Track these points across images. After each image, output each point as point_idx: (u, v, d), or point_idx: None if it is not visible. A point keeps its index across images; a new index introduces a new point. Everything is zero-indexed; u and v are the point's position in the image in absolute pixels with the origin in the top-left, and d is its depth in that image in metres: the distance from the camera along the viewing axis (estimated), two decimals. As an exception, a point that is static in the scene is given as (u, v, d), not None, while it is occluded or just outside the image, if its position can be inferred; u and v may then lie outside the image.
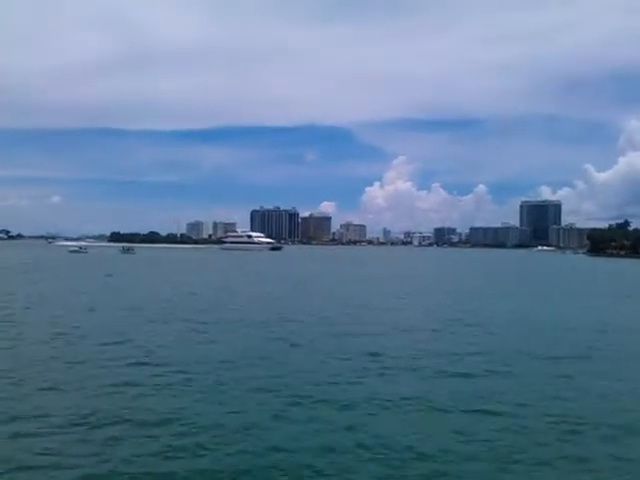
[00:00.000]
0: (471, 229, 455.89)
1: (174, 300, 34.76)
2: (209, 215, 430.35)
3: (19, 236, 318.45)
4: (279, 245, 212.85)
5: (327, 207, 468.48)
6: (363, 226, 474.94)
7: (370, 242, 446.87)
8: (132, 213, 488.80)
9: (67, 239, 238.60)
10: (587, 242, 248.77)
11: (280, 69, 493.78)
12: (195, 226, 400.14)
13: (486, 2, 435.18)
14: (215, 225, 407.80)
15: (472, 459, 10.36)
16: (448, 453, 10.58)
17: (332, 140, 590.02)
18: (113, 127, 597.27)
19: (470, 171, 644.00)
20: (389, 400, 13.71)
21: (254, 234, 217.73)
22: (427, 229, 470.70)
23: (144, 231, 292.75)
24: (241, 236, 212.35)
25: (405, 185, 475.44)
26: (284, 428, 11.82)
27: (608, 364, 18.44)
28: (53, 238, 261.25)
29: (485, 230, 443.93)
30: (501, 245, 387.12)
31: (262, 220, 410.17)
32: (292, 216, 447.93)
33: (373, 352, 19.26)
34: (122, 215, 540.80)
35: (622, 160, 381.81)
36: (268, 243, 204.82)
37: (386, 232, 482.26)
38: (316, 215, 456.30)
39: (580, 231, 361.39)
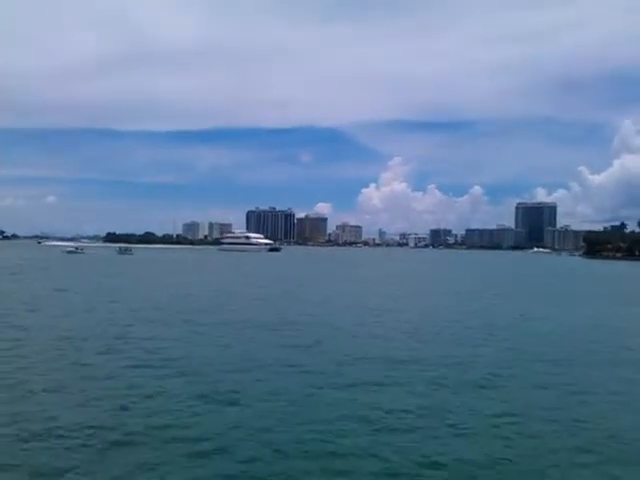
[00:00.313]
0: (467, 231, 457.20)
1: (178, 302, 34.30)
2: (205, 216, 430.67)
3: (14, 236, 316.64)
4: (278, 246, 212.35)
5: (323, 208, 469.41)
6: (359, 227, 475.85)
7: (366, 243, 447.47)
8: (127, 213, 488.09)
9: (60, 239, 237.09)
10: (583, 244, 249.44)
11: (277, 70, 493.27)
12: (191, 227, 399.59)
13: (482, 3, 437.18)
14: (211, 226, 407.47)
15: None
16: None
17: (328, 141, 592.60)
18: (109, 127, 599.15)
19: (466, 172, 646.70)
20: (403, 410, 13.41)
21: (252, 235, 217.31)
22: (423, 230, 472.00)
23: (140, 232, 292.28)
24: (239, 237, 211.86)
25: (401, 186, 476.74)
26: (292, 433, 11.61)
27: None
28: (42, 238, 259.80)
29: (481, 232, 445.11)
30: (497, 247, 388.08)
31: (258, 221, 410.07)
32: (288, 217, 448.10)
33: (383, 357, 18.90)
34: (117, 215, 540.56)
35: (617, 162, 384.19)
36: (266, 244, 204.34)
37: (382, 233, 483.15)
38: (312, 216, 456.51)
39: (575, 233, 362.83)
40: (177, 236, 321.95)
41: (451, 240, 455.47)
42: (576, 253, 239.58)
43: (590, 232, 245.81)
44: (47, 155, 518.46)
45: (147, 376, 15.82)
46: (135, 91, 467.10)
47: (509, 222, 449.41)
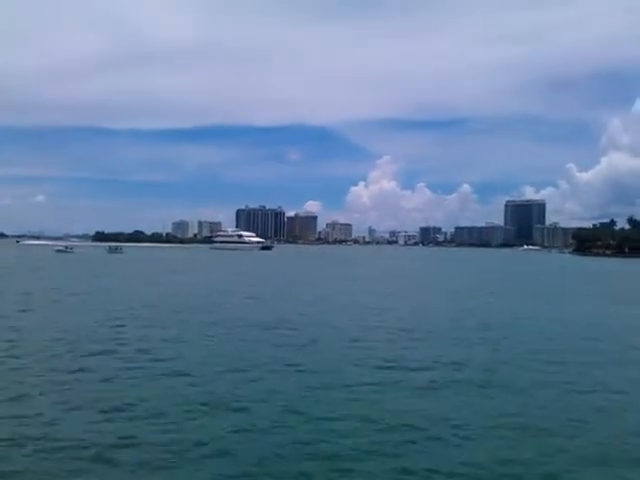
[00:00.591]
0: (456, 228, 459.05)
1: (176, 301, 33.50)
2: (194, 214, 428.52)
3: (2, 235, 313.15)
4: (270, 245, 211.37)
5: (312, 206, 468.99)
6: (349, 225, 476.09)
7: (356, 241, 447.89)
8: (116, 212, 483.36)
9: (48, 238, 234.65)
10: (572, 241, 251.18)
11: (267, 68, 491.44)
12: (180, 225, 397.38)
13: (474, 3, 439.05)
14: (200, 224, 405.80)
15: None
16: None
17: (318, 139, 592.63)
18: (100, 125, 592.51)
19: (455, 171, 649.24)
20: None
21: (245, 233, 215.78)
22: (412, 228, 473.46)
23: (129, 230, 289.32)
24: (231, 235, 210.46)
25: (390, 184, 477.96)
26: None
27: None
28: (31, 238, 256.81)
29: (470, 229, 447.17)
30: (486, 244, 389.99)
31: (248, 219, 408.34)
32: (278, 215, 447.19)
33: (385, 359, 18.20)
34: (106, 214, 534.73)
35: (604, 160, 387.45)
36: (259, 242, 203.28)
37: (371, 231, 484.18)
38: (302, 214, 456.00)
39: (564, 230, 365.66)
40: (166, 235, 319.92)
41: (440, 238, 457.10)
42: (566, 250, 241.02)
43: (580, 229, 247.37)
44: (36, 153, 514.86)
45: (141, 377, 15.39)
46: (126, 90, 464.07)
47: (498, 220, 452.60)
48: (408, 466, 9.83)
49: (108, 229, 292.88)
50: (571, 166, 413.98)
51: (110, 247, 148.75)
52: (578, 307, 34.75)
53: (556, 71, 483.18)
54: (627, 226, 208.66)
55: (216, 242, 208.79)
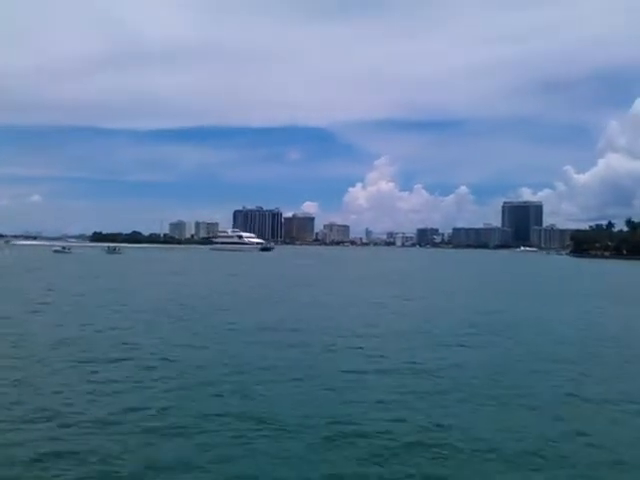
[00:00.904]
0: (454, 230, 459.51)
1: (189, 303, 33.16)
2: (191, 215, 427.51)
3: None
4: (270, 246, 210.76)
5: (310, 207, 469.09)
6: (346, 226, 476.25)
7: (353, 242, 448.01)
8: (113, 212, 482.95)
9: (46, 238, 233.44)
10: (569, 243, 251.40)
11: (265, 69, 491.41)
12: (178, 226, 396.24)
13: (469, 4, 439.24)
14: (198, 225, 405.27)
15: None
16: None
17: (315, 140, 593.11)
18: (97, 125, 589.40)
19: (452, 172, 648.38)
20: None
21: (245, 234, 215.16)
22: (409, 229, 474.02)
23: (126, 231, 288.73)
24: (231, 236, 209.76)
25: (387, 186, 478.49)
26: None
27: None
28: (27, 238, 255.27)
29: (467, 231, 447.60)
30: (483, 246, 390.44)
31: (245, 220, 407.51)
32: (275, 216, 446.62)
33: (411, 364, 17.76)
34: (103, 214, 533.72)
35: (601, 162, 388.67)
36: (258, 244, 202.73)
37: (368, 232, 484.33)
38: (299, 215, 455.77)
39: (561, 232, 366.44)
40: (164, 235, 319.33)
41: (438, 239, 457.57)
42: (563, 252, 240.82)
43: (577, 231, 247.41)
44: (34, 153, 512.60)
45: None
46: (123, 90, 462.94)
47: (495, 221, 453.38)
48: None
49: (105, 229, 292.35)
50: (568, 168, 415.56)
51: (109, 248, 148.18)
52: (594, 309, 34.54)
53: (554, 72, 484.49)
54: (625, 228, 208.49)
55: (216, 243, 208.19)
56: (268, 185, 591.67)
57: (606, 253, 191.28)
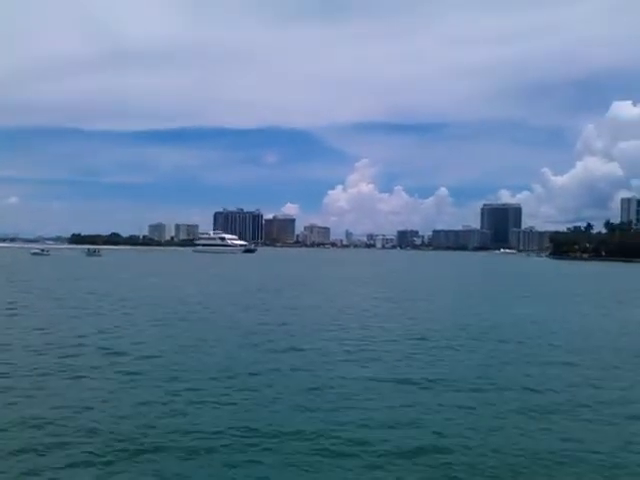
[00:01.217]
0: (434, 232, 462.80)
1: (180, 306, 32.15)
2: (171, 217, 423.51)
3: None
4: (253, 248, 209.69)
5: (290, 209, 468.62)
6: (327, 228, 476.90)
7: (334, 244, 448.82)
8: (91, 214, 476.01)
9: (24, 240, 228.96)
10: (549, 245, 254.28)
11: (244, 70, 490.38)
12: (157, 228, 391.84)
13: (451, 6, 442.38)
14: (178, 227, 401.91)
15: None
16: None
17: (295, 142, 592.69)
18: (75, 127, 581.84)
19: (431, 174, 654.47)
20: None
21: (227, 236, 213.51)
22: (389, 231, 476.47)
23: (105, 232, 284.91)
24: (214, 238, 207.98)
25: (368, 188, 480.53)
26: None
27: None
28: (4, 240, 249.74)
29: (447, 233, 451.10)
30: (462, 248, 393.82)
31: (225, 222, 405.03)
32: (256, 218, 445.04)
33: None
34: (81, 216, 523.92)
35: (579, 164, 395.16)
36: (241, 245, 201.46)
37: (349, 234, 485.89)
38: (280, 217, 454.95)
39: (540, 234, 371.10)
40: (143, 237, 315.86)
41: (418, 241, 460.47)
42: (543, 254, 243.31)
43: (556, 233, 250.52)
44: (10, 155, 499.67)
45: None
46: (101, 91, 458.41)
47: (475, 223, 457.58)
48: None
49: (84, 231, 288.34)
50: (546, 170, 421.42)
51: (89, 250, 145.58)
52: (586, 311, 34.37)
53: (534, 76, 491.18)
54: (604, 230, 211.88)
55: (198, 245, 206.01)
56: (248, 187, 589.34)
57: (585, 255, 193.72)
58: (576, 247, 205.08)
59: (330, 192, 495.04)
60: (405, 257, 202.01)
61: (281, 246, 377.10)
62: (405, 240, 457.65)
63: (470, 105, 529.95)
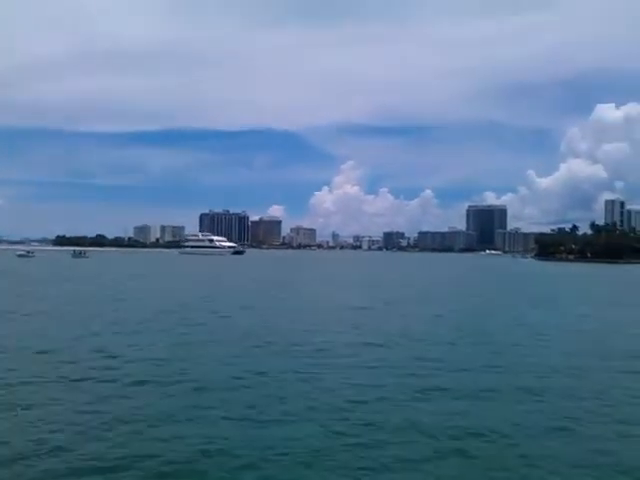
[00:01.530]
0: (419, 233, 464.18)
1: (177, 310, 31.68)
2: (156, 218, 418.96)
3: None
4: (242, 249, 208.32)
5: (276, 211, 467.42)
6: (313, 230, 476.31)
7: (320, 246, 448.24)
8: (76, 216, 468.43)
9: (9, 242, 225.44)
10: (534, 246, 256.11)
11: (231, 72, 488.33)
12: (143, 229, 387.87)
13: (437, 9, 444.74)
14: (163, 229, 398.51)
15: None
16: None
17: (281, 144, 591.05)
18: (60, 128, 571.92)
19: (417, 176, 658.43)
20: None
21: (216, 238, 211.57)
22: (375, 233, 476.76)
23: (89, 234, 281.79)
24: (202, 240, 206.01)
25: (353, 189, 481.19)
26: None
27: None
28: None
29: (433, 234, 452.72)
30: (448, 249, 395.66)
31: (211, 223, 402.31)
32: (242, 219, 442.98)
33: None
34: (66, 218, 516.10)
35: (563, 166, 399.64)
36: (230, 247, 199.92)
37: (335, 236, 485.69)
38: (266, 219, 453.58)
39: (525, 235, 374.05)
40: (129, 239, 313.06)
41: (404, 243, 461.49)
42: (528, 255, 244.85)
43: (542, 234, 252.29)
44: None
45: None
46: (87, 93, 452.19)
47: (460, 225, 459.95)
48: None
49: (68, 233, 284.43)
50: (531, 172, 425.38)
51: (74, 251, 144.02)
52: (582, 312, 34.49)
53: (519, 78, 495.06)
54: (589, 231, 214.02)
55: (186, 247, 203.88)
56: (234, 188, 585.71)
57: (570, 256, 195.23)
58: (562, 248, 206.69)
59: (316, 194, 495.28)
60: (392, 259, 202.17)
61: (267, 248, 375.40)
62: (391, 242, 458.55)
63: (455, 107, 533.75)
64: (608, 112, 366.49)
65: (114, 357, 18.11)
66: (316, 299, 40.16)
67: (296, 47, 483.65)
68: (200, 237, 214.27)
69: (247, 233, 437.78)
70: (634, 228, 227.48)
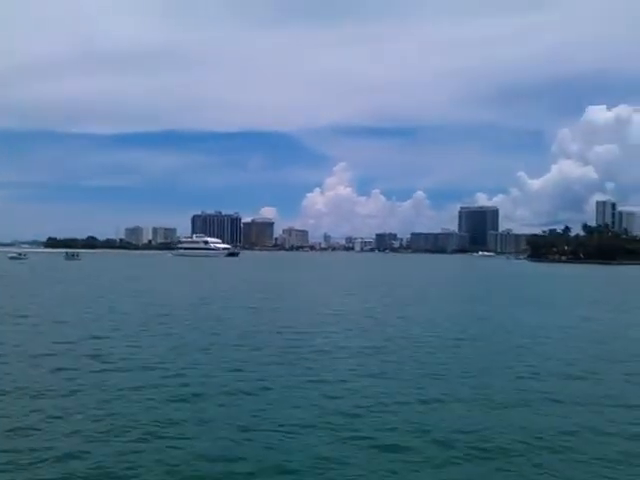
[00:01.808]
0: (412, 235, 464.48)
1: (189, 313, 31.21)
2: (148, 220, 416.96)
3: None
4: (236, 251, 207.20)
5: (268, 212, 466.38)
6: (305, 231, 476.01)
7: (312, 247, 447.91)
8: (67, 218, 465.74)
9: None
10: (526, 247, 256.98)
11: (223, 73, 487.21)
12: (134, 231, 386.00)
13: (431, 11, 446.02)
14: (155, 230, 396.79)
15: None
16: None
17: (274, 145, 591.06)
18: (52, 130, 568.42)
19: (409, 177, 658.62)
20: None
21: (210, 240, 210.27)
22: (368, 234, 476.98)
23: (81, 236, 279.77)
24: (197, 242, 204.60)
25: (346, 191, 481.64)
26: None
27: None
28: None
29: (426, 236, 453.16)
30: (441, 250, 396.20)
31: (204, 225, 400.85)
32: (234, 221, 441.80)
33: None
34: (56, 220, 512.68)
35: (554, 168, 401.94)
36: (225, 249, 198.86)
37: (327, 237, 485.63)
38: (258, 220, 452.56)
39: (517, 237, 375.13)
40: (120, 241, 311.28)
41: (396, 244, 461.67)
42: (521, 256, 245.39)
43: (534, 236, 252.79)
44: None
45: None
46: (80, 94, 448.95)
47: (452, 226, 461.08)
48: None
49: (59, 235, 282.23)
50: (522, 174, 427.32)
51: (67, 253, 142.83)
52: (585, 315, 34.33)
53: (510, 80, 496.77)
54: (581, 232, 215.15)
55: (180, 248, 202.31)
56: (226, 190, 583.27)
57: (563, 257, 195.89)
58: (554, 249, 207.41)
59: (308, 195, 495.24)
60: (385, 260, 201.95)
61: (260, 249, 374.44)
62: (384, 243, 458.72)
63: (448, 108, 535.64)
64: (599, 114, 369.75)
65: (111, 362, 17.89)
66: (317, 301, 39.77)
67: (290, 48, 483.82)
68: (194, 239, 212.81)
69: (239, 235, 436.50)
70: (626, 229, 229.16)
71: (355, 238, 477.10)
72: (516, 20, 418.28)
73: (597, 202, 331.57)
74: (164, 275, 76.45)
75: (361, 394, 14.42)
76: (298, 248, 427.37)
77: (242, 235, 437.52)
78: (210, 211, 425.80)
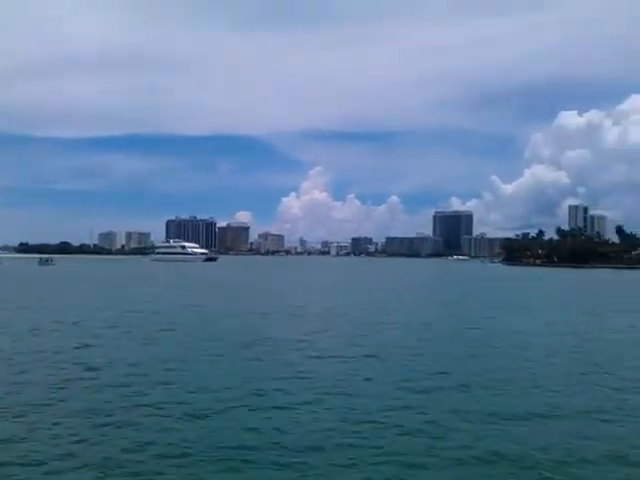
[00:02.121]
0: (387, 239, 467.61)
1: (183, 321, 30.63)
2: (121, 225, 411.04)
3: None
4: (214, 256, 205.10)
5: (243, 217, 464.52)
6: (281, 236, 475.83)
7: (288, 252, 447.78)
8: (39, 223, 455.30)
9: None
10: (500, 251, 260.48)
11: (195, 76, 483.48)
12: (108, 236, 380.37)
13: (404, 16, 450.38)
14: (129, 235, 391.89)
15: None
16: None
17: (248, 149, 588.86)
18: (22, 133, 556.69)
19: (384, 182, 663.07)
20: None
21: (188, 244, 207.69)
22: (343, 239, 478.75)
23: (53, 241, 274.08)
24: (174, 247, 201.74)
25: (321, 195, 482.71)
26: None
27: None
28: None
29: (401, 240, 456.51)
30: (416, 254, 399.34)
31: (178, 230, 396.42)
32: (209, 226, 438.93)
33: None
34: (28, 225, 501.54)
35: (527, 172, 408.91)
36: (202, 254, 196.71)
37: (303, 242, 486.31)
38: (234, 225, 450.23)
39: (491, 240, 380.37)
40: (94, 246, 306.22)
41: (372, 248, 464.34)
42: (496, 260, 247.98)
43: (508, 239, 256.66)
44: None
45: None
46: (49, 96, 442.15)
47: (427, 230, 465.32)
48: None
49: (31, 240, 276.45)
50: (495, 178, 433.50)
51: (41, 259, 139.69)
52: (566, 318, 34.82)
53: (483, 85, 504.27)
54: (555, 236, 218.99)
55: (157, 253, 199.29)
56: (201, 194, 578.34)
57: (537, 261, 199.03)
58: (529, 253, 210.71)
59: (284, 199, 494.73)
60: (361, 264, 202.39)
61: (235, 254, 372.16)
62: (359, 247, 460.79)
63: (421, 113, 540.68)
64: (571, 119, 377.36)
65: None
66: (310, 305, 39.54)
67: (262, 52, 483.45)
68: (172, 244, 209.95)
69: (215, 239, 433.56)
70: (598, 232, 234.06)
71: (331, 242, 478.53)
72: (485, 27, 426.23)
73: (569, 206, 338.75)
74: (145, 280, 75.15)
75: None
76: (274, 252, 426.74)
77: (217, 240, 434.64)
78: (184, 216, 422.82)
